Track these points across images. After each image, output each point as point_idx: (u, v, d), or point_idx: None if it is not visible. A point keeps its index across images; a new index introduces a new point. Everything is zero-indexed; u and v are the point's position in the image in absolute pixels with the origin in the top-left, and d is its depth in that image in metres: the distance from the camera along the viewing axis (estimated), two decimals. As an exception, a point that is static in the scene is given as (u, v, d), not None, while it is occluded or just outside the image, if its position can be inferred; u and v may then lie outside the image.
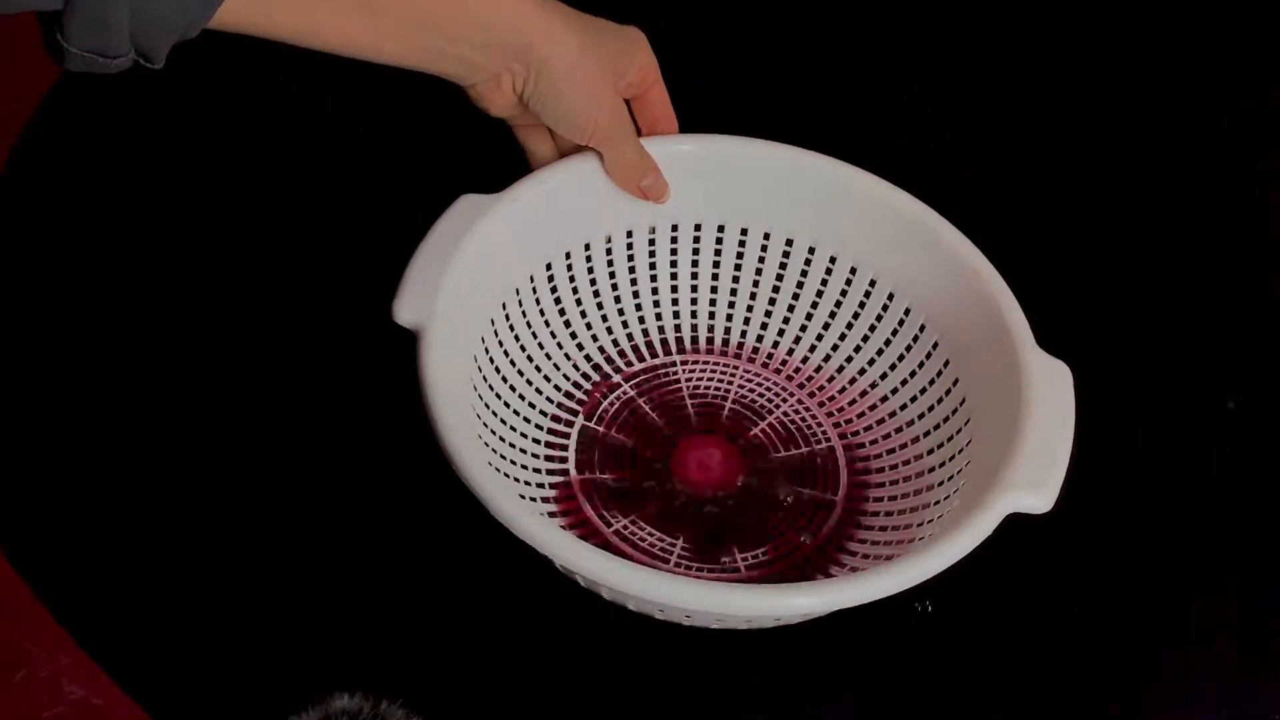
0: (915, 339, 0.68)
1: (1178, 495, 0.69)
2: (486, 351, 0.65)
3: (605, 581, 0.53)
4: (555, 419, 0.68)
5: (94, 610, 0.59)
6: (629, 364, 0.72)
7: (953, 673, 0.62)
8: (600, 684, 0.59)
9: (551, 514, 0.65)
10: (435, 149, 0.81)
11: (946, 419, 0.66)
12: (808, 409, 0.71)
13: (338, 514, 0.64)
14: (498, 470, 0.61)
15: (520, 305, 0.68)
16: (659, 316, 0.73)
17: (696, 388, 0.71)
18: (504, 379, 0.66)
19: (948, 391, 0.66)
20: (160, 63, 0.53)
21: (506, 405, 0.66)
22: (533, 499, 0.64)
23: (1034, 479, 0.57)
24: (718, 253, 0.72)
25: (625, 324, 0.72)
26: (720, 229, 0.72)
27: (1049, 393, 0.60)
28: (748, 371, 0.72)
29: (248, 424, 0.67)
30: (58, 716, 0.55)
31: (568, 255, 0.69)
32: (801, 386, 0.71)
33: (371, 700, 0.53)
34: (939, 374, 0.67)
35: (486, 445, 0.62)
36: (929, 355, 0.68)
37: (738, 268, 0.73)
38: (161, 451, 0.65)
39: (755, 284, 0.73)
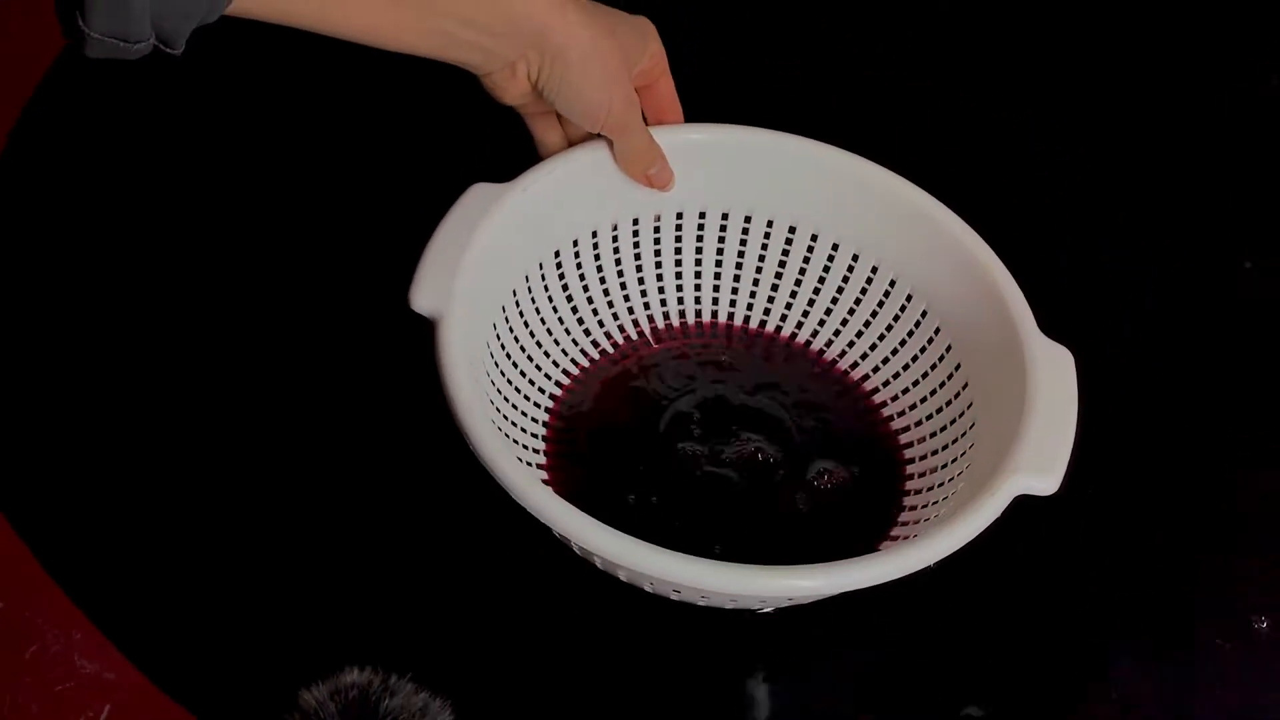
0: (917, 324, 0.69)
1: (1182, 479, 0.69)
2: (498, 338, 0.65)
3: (623, 562, 0.53)
4: (562, 400, 0.68)
5: (105, 585, 0.59)
6: (637, 348, 0.72)
7: (954, 657, 0.62)
8: (608, 659, 0.59)
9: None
10: (444, 139, 0.81)
11: (949, 402, 0.66)
12: (813, 393, 0.70)
13: (349, 491, 0.64)
14: (518, 460, 0.61)
15: (530, 293, 0.68)
16: (664, 303, 0.73)
17: (708, 369, 0.71)
18: (514, 365, 0.66)
19: (950, 376, 0.66)
20: (180, 48, 0.52)
21: (517, 390, 0.66)
22: (546, 482, 0.64)
23: (1040, 461, 0.57)
24: (722, 239, 0.72)
25: (631, 310, 0.72)
26: (724, 216, 0.72)
27: (1052, 377, 0.60)
28: (753, 354, 0.72)
29: (260, 404, 0.67)
30: (69, 690, 0.55)
31: (575, 243, 0.69)
32: (809, 374, 0.71)
33: (381, 674, 0.53)
34: (940, 359, 0.67)
35: (499, 430, 0.61)
36: (930, 341, 0.68)
37: (741, 254, 0.73)
38: (174, 428, 0.65)
39: (758, 270, 0.73)
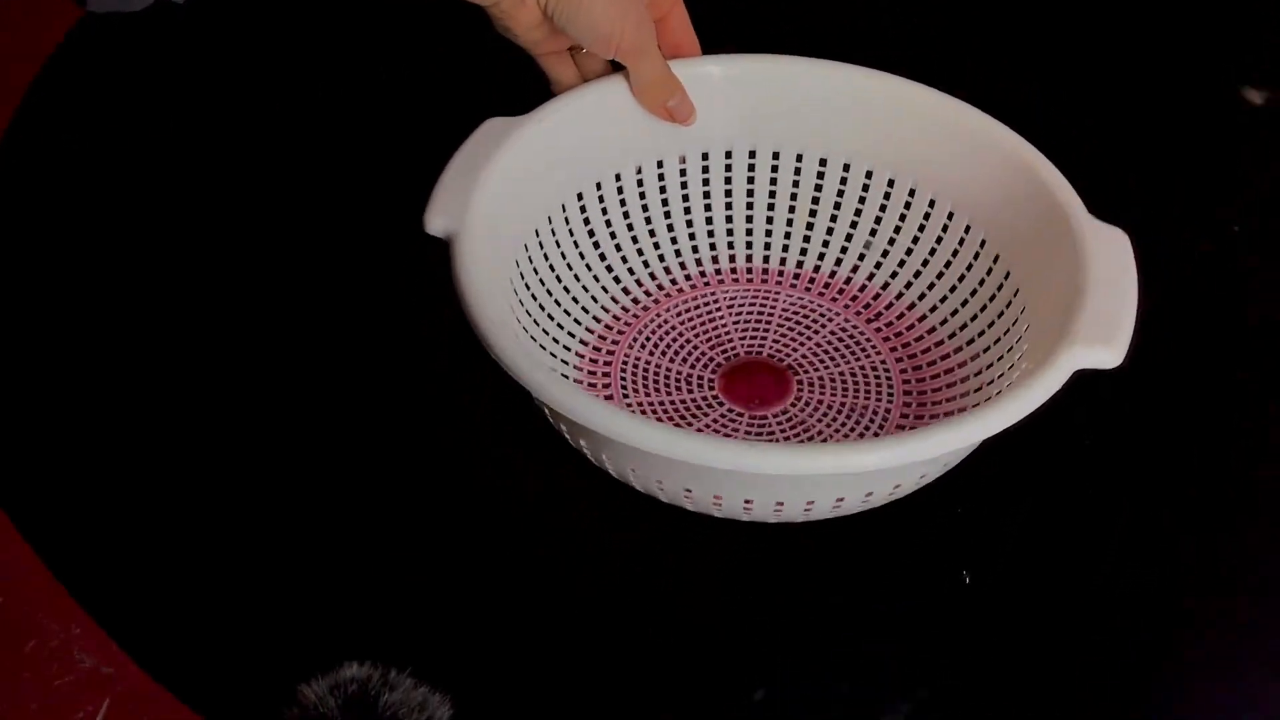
0: (962, 241, 0.66)
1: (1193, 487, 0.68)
2: (522, 276, 0.64)
3: (666, 451, 0.51)
4: (595, 349, 0.67)
5: (104, 580, 0.58)
6: (668, 294, 0.70)
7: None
8: (608, 655, 0.59)
9: None
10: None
11: (1000, 314, 0.64)
12: (854, 325, 0.69)
13: (348, 487, 0.63)
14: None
15: (553, 233, 0.66)
16: (695, 248, 0.71)
17: (740, 312, 0.70)
18: (541, 306, 0.65)
19: (999, 287, 0.64)
20: None
21: (545, 333, 0.64)
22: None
23: (1102, 334, 0.55)
24: (750, 179, 0.70)
25: (661, 256, 0.70)
26: (751, 154, 0.70)
27: (1108, 255, 0.59)
28: (790, 295, 0.70)
29: (259, 400, 0.66)
30: (68, 685, 0.55)
31: (599, 185, 0.68)
32: (847, 307, 0.70)
33: (381, 669, 0.53)
34: (989, 271, 0.65)
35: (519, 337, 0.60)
36: (977, 256, 0.66)
37: (772, 193, 0.71)
38: (174, 423, 0.65)
39: (791, 208, 0.71)
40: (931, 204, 0.68)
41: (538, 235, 0.65)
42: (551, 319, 0.66)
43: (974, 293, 0.66)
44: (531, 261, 0.65)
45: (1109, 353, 0.55)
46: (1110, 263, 0.58)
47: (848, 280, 0.71)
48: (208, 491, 0.63)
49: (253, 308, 0.71)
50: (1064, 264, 0.59)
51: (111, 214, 0.75)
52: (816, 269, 0.71)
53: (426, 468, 0.62)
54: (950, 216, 0.67)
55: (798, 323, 0.70)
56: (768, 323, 0.70)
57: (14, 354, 0.67)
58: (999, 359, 0.63)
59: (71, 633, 0.56)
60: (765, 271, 0.72)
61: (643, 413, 0.65)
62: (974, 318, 0.66)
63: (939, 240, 0.68)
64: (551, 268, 0.66)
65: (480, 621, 0.59)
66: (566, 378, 0.64)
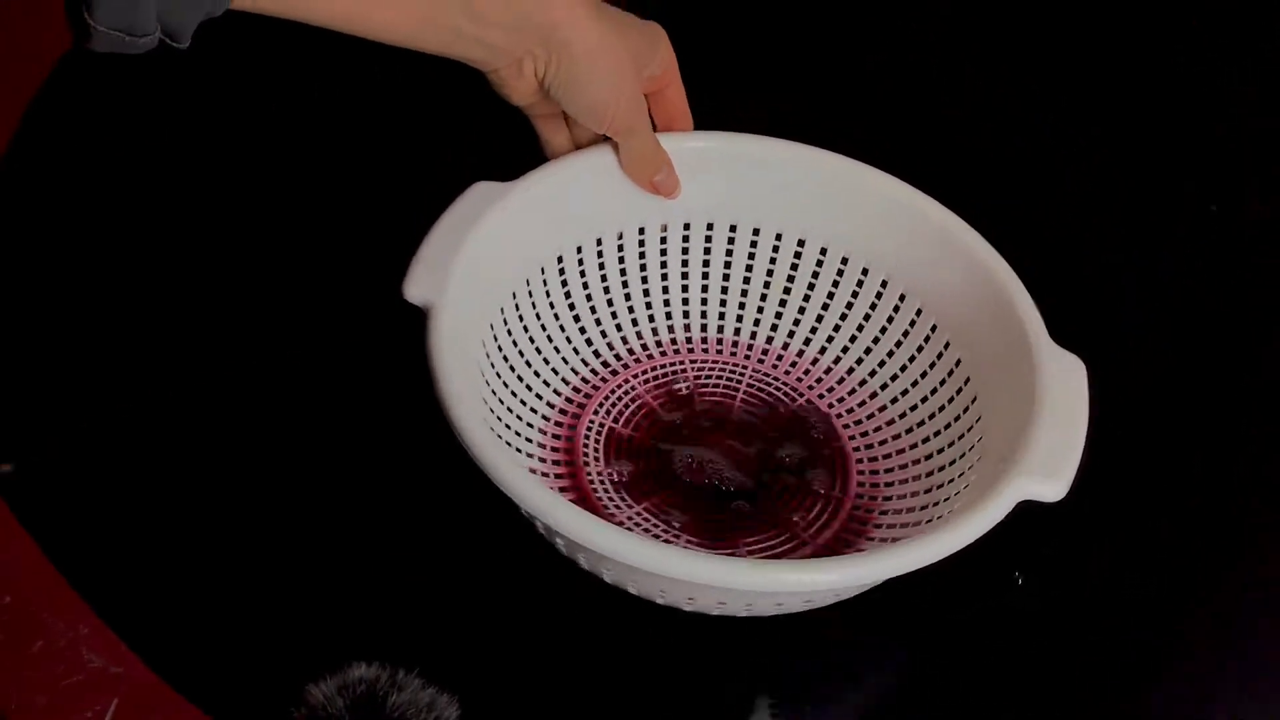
0: (927, 339, 0.67)
1: (1195, 497, 0.69)
2: (495, 339, 0.64)
3: (619, 557, 0.52)
4: (562, 411, 0.67)
5: (112, 580, 0.58)
6: (638, 359, 0.71)
7: (953, 672, 0.61)
8: (613, 654, 0.59)
9: None
10: (449, 139, 0.80)
11: (958, 417, 0.65)
12: (816, 408, 0.70)
13: (356, 487, 0.63)
14: (508, 444, 0.60)
15: (530, 296, 0.67)
16: (669, 315, 0.72)
17: (705, 384, 0.70)
18: (512, 368, 0.65)
19: (959, 391, 0.65)
20: (186, 42, 0.52)
21: (514, 395, 0.65)
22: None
23: (1048, 466, 0.56)
24: (729, 252, 0.71)
25: (635, 321, 0.71)
26: (732, 228, 0.71)
27: (1063, 384, 0.59)
28: (757, 370, 0.71)
29: (268, 401, 0.67)
30: (76, 685, 0.55)
31: (579, 249, 0.69)
32: (811, 387, 0.70)
33: (389, 670, 0.53)
34: (950, 373, 0.66)
35: (492, 429, 0.60)
36: (940, 355, 0.67)
37: (749, 268, 0.72)
38: (182, 424, 0.65)
39: (766, 284, 0.72)
40: (902, 299, 0.69)
41: (514, 298, 0.66)
42: (520, 380, 0.66)
43: (934, 391, 0.67)
44: (506, 324, 0.65)
45: (1053, 486, 0.56)
46: (1065, 392, 0.59)
47: (815, 362, 0.72)
48: (217, 493, 0.63)
49: (263, 314, 0.71)
50: (1021, 385, 0.60)
51: (116, 215, 0.75)
52: (785, 346, 0.72)
53: (433, 470, 0.62)
54: (919, 314, 0.68)
55: (761, 398, 0.70)
56: (731, 395, 0.71)
57: (26, 358, 0.67)
58: (951, 464, 0.64)
59: (79, 632, 0.56)
60: (736, 345, 0.73)
61: (606, 482, 0.65)
62: (932, 416, 0.67)
63: (905, 335, 0.69)
64: (525, 329, 0.67)
65: (488, 623, 0.59)
66: (532, 456, 0.64)
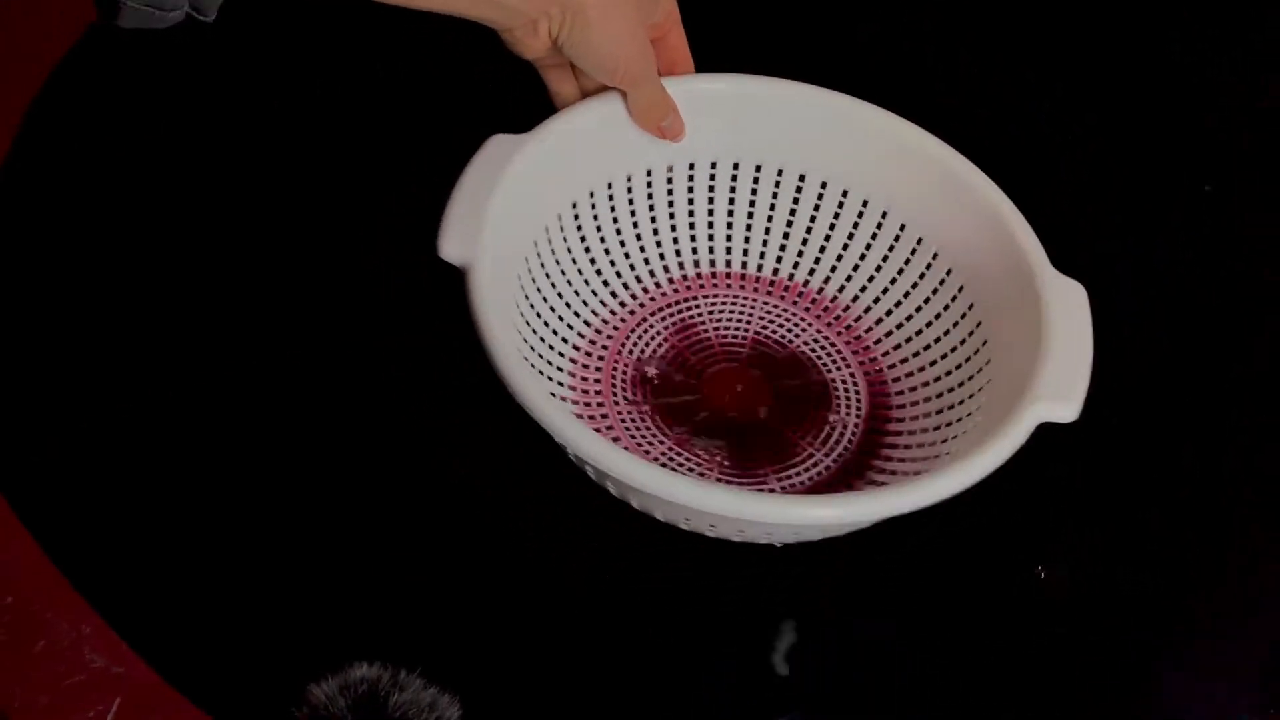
0: (929, 267, 0.69)
1: (1185, 488, 0.69)
2: (522, 289, 0.65)
3: (654, 490, 0.54)
4: (588, 354, 0.69)
5: (115, 580, 0.58)
6: (653, 298, 0.72)
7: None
8: (614, 656, 0.60)
9: None
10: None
11: (963, 341, 0.67)
12: (827, 338, 0.71)
13: (358, 487, 0.63)
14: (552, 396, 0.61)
15: (550, 244, 0.68)
16: (678, 252, 0.73)
17: (721, 318, 0.72)
18: (539, 315, 0.67)
19: (963, 316, 0.67)
20: (213, 14, 0.51)
21: (542, 340, 0.66)
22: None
23: (1060, 389, 0.58)
24: (733, 189, 0.72)
25: (647, 260, 0.72)
26: (735, 166, 0.72)
27: (1067, 309, 0.61)
28: (767, 302, 0.73)
29: (269, 401, 0.66)
30: (78, 685, 0.55)
31: (592, 194, 0.70)
32: (819, 316, 0.72)
33: (390, 669, 0.53)
34: (953, 299, 0.68)
35: (534, 368, 0.63)
36: (943, 282, 0.68)
37: (752, 204, 0.73)
38: (184, 423, 0.65)
39: (769, 219, 0.73)
40: (902, 229, 0.70)
41: (535, 246, 0.67)
42: (546, 325, 0.67)
43: (938, 317, 0.69)
44: (531, 273, 0.66)
45: (1068, 407, 0.58)
46: (1069, 317, 0.61)
47: (821, 291, 0.73)
48: (218, 493, 0.63)
49: (268, 312, 0.70)
50: (1026, 312, 0.62)
51: (122, 216, 0.74)
52: (790, 277, 0.74)
53: (436, 472, 0.63)
54: (919, 244, 0.70)
55: (776, 329, 0.72)
56: (746, 328, 0.72)
57: (28, 358, 0.67)
58: (962, 385, 0.66)
59: (82, 632, 0.56)
60: (743, 278, 0.74)
61: (636, 420, 0.67)
62: (938, 340, 0.69)
63: (906, 263, 0.70)
64: (547, 275, 0.68)
65: (489, 623, 0.60)
66: (564, 399, 0.66)
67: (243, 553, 0.61)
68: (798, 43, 0.84)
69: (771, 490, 0.65)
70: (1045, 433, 0.58)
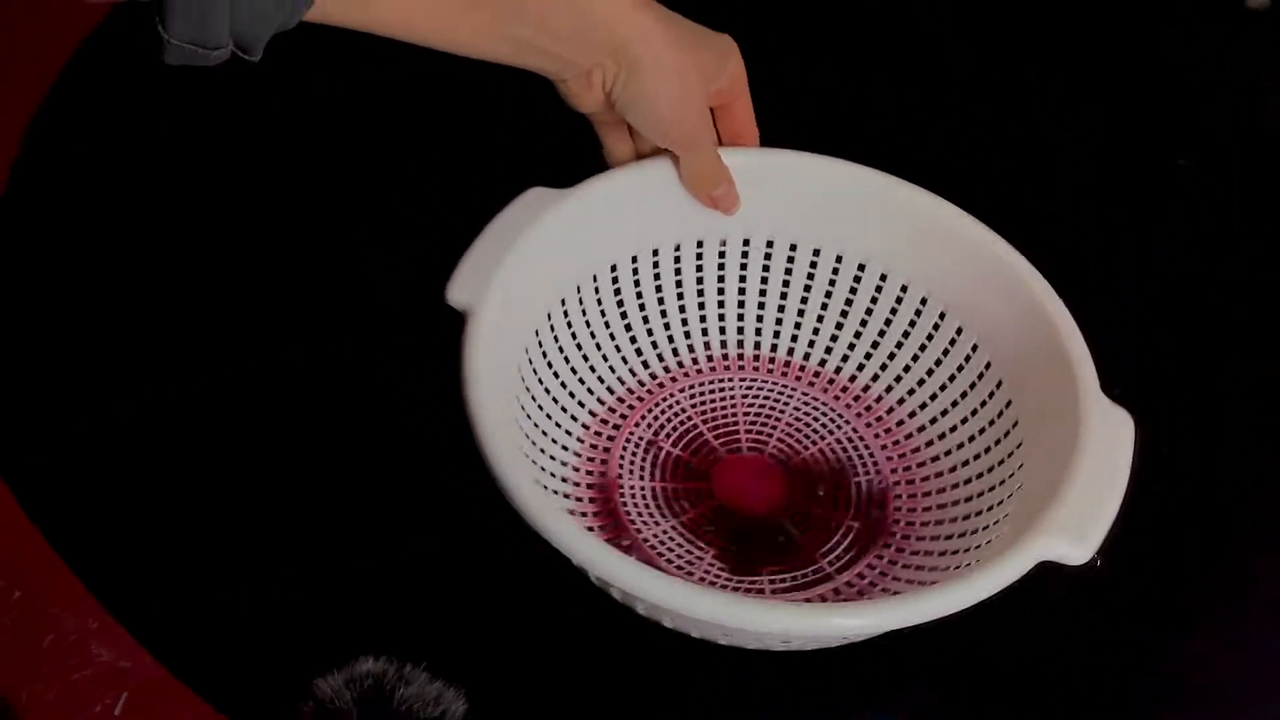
0: (981, 376, 0.65)
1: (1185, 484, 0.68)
2: (540, 345, 0.64)
3: (621, 585, 0.51)
4: (603, 421, 0.67)
5: (122, 575, 0.59)
6: (686, 373, 0.70)
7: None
8: (619, 650, 0.59)
9: (583, 514, 0.63)
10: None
11: (1002, 462, 0.62)
12: (860, 436, 0.68)
13: (365, 482, 0.64)
14: (533, 463, 0.60)
15: (580, 303, 0.66)
16: (723, 330, 0.71)
17: (751, 404, 0.69)
18: (555, 374, 0.65)
19: (1005, 433, 0.63)
20: (258, 55, 0.52)
21: (555, 401, 0.64)
22: (566, 495, 0.63)
23: (1075, 528, 0.53)
24: (789, 271, 0.70)
25: (688, 334, 0.70)
26: (792, 247, 0.69)
27: (1106, 441, 0.56)
28: (806, 393, 0.70)
29: (279, 397, 0.67)
30: (86, 679, 0.55)
31: (634, 259, 0.68)
32: (859, 415, 0.69)
33: (396, 664, 0.53)
34: (1000, 414, 0.64)
35: (527, 436, 0.60)
36: (992, 394, 0.65)
37: (807, 289, 0.70)
38: (192, 420, 0.65)
39: (824, 306, 0.70)
40: (959, 333, 0.67)
41: (563, 304, 0.65)
42: (564, 386, 0.66)
43: (982, 431, 0.65)
44: (553, 329, 0.65)
45: (1079, 549, 0.53)
46: (1107, 449, 0.56)
47: (863, 388, 0.70)
48: (224, 488, 0.63)
49: (282, 307, 0.71)
50: (1064, 436, 0.57)
51: (125, 218, 0.75)
52: (826, 366, 0.71)
53: (442, 467, 0.63)
54: (974, 350, 0.66)
55: (806, 423, 0.69)
56: (777, 418, 0.69)
57: (34, 355, 0.67)
58: (989, 510, 0.61)
59: (89, 627, 0.57)
60: (772, 362, 0.71)
61: (638, 496, 0.65)
62: (977, 457, 0.65)
63: (959, 370, 0.67)
64: (574, 335, 0.66)
65: (494, 618, 0.60)
66: (566, 464, 0.64)
67: (249, 548, 0.61)
68: (801, 43, 0.84)
69: (762, 590, 0.62)
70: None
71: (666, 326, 0.70)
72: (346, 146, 0.80)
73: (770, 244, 0.69)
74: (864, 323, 0.70)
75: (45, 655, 0.56)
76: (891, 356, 0.69)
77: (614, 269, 0.67)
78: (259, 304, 0.71)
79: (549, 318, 0.65)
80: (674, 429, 0.68)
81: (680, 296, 0.70)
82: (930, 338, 0.68)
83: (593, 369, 0.67)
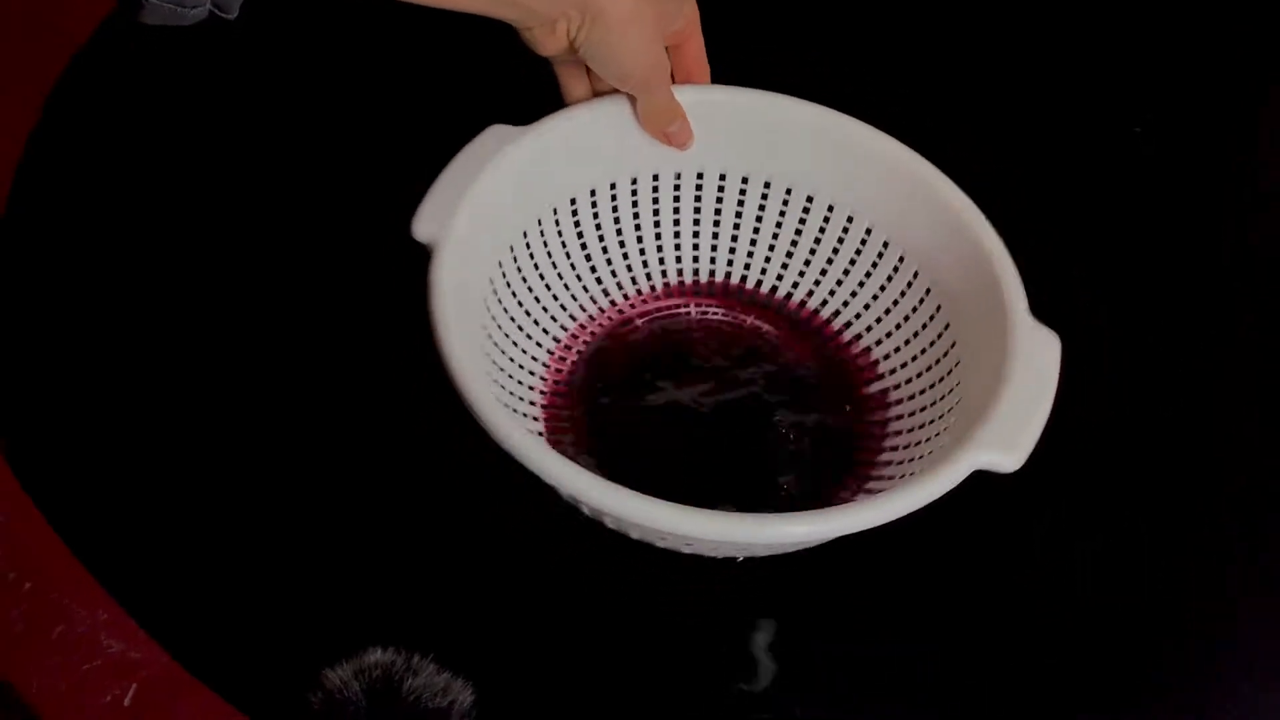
0: (921, 301, 0.69)
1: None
2: (504, 275, 0.66)
3: (585, 499, 0.54)
4: (566, 347, 0.69)
5: (131, 566, 0.59)
6: (644, 299, 0.73)
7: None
8: (626, 644, 0.60)
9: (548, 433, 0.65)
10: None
11: (942, 379, 0.66)
12: (811, 355, 0.72)
13: (373, 473, 0.64)
14: (501, 386, 0.62)
15: (542, 235, 0.68)
16: (678, 259, 0.73)
17: (706, 327, 0.72)
18: (520, 303, 0.67)
19: (944, 353, 0.66)
20: (235, 12, 0.52)
21: (520, 328, 0.67)
22: (535, 419, 0.65)
23: (1006, 437, 0.57)
24: (740, 203, 0.72)
25: (645, 263, 0.73)
26: (744, 180, 0.72)
27: (1033, 358, 0.60)
28: (759, 318, 0.73)
29: (284, 386, 0.67)
30: (95, 670, 0.55)
31: (593, 192, 0.70)
32: (804, 333, 0.72)
33: (404, 654, 0.54)
34: (939, 336, 0.67)
35: (494, 362, 0.62)
36: (932, 318, 0.68)
37: (759, 219, 0.73)
38: (199, 410, 0.65)
39: (774, 236, 0.73)
40: (901, 260, 0.70)
41: (525, 236, 0.67)
42: (528, 314, 0.68)
43: (924, 351, 0.68)
44: (516, 261, 0.67)
45: (1010, 457, 0.57)
46: (1035, 366, 0.60)
47: (812, 311, 0.73)
48: (234, 480, 0.63)
49: (280, 303, 0.71)
50: (996, 355, 0.61)
51: (130, 213, 0.74)
52: (777, 293, 0.74)
53: (448, 456, 0.63)
54: (916, 276, 0.69)
55: (757, 346, 0.72)
56: (733, 336, 0.72)
57: (44, 349, 0.67)
58: (931, 423, 0.65)
59: (99, 618, 0.56)
60: (727, 289, 0.74)
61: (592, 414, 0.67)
62: (919, 374, 0.68)
63: (902, 295, 0.70)
64: (536, 265, 0.68)
65: (502, 609, 0.60)
66: (533, 388, 0.66)
67: (258, 540, 0.61)
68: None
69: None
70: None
71: (625, 256, 0.72)
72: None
73: (723, 177, 0.72)
74: (813, 252, 0.73)
75: (55, 646, 0.56)
76: (839, 283, 0.72)
77: (573, 202, 0.69)
78: (265, 292, 0.71)
79: (512, 249, 0.66)
80: (634, 349, 0.71)
81: (638, 228, 0.72)
82: (875, 265, 0.71)
83: (555, 297, 0.70)
